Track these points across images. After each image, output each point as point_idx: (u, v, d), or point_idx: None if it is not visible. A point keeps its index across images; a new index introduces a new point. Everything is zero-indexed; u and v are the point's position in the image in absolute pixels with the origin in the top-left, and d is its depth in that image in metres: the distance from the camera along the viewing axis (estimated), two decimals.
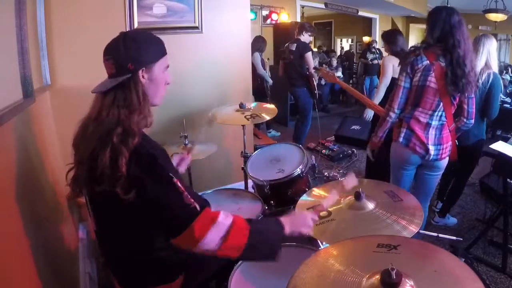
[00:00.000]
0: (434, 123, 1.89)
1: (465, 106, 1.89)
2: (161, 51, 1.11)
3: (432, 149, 1.90)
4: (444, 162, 1.99)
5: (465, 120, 1.92)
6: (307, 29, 4.41)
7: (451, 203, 2.85)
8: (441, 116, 1.88)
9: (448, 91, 1.79)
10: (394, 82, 2.55)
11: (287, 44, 4.57)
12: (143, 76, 1.06)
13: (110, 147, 0.95)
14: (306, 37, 4.41)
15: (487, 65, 2.36)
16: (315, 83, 4.39)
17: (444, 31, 1.77)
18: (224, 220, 1.01)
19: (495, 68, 2.38)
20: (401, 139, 1.95)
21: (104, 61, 1.06)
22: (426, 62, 1.82)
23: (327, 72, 3.15)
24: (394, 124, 2.00)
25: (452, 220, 2.86)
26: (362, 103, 3.07)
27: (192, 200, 0.99)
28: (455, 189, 2.83)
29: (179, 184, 0.99)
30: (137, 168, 0.96)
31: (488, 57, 2.35)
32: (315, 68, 4.38)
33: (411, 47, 1.97)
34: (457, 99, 1.86)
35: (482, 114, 2.46)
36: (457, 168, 2.61)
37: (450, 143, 1.95)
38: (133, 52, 1.04)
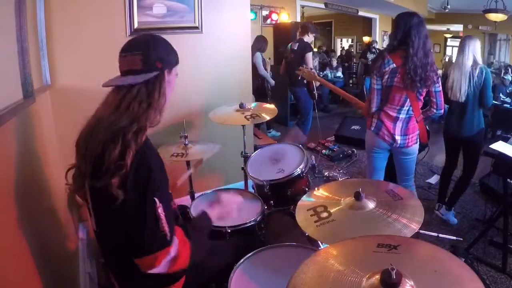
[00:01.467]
0: (402, 116, 2.12)
1: (434, 99, 2.12)
2: (177, 59, 1.18)
3: (398, 138, 2.15)
4: (413, 148, 2.22)
5: (434, 110, 2.15)
6: (311, 30, 4.41)
7: (459, 193, 2.88)
8: (408, 110, 2.11)
9: (407, 87, 1.99)
10: None
11: (290, 44, 4.58)
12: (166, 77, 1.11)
13: (121, 143, 0.97)
14: (309, 38, 4.41)
15: (475, 62, 2.56)
16: (314, 84, 4.38)
17: (404, 33, 1.98)
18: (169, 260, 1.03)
19: (481, 62, 2.61)
20: (372, 128, 2.22)
21: (124, 57, 1.08)
22: (393, 65, 2.02)
23: (308, 71, 2.95)
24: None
25: (453, 220, 2.86)
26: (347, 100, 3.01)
27: (166, 228, 1.00)
28: (463, 181, 2.84)
29: (159, 210, 0.99)
30: (133, 173, 0.97)
31: (474, 56, 2.57)
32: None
33: (378, 52, 2.09)
34: (423, 93, 2.07)
35: (480, 104, 2.62)
36: (465, 161, 2.79)
37: (417, 132, 2.19)
38: (163, 51, 1.10)
